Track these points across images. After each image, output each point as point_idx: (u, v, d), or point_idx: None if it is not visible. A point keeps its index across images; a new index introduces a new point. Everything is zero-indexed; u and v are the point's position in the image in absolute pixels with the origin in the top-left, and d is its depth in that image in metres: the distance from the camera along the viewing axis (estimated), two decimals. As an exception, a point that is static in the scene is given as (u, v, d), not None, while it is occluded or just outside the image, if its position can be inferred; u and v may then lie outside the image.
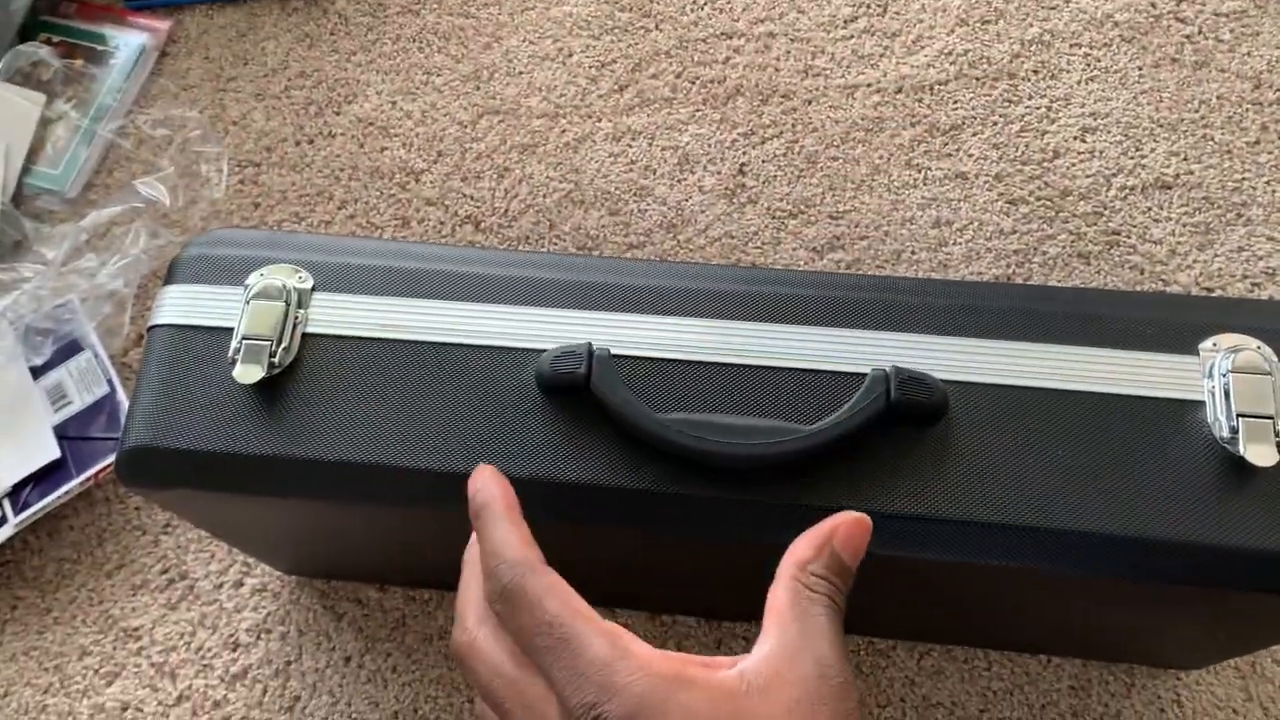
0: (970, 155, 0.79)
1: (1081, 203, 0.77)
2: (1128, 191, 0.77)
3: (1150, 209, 0.76)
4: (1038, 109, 0.80)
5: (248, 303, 0.49)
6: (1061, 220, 0.76)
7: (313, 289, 0.50)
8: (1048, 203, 0.77)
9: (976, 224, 0.76)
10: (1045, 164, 0.78)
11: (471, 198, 0.78)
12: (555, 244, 0.76)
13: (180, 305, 0.51)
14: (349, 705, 0.64)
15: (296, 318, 0.49)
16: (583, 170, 0.79)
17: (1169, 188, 0.77)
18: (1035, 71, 0.82)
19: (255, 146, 0.81)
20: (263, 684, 0.65)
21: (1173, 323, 0.47)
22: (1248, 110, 0.79)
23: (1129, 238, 0.75)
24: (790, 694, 0.34)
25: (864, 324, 0.48)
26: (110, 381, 0.71)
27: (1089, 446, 0.45)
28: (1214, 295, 0.52)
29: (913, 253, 0.75)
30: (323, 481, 0.48)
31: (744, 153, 0.79)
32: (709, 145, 0.80)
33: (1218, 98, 0.80)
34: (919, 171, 0.78)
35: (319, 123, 0.82)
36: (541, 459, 0.47)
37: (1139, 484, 0.44)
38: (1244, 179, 0.77)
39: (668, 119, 0.81)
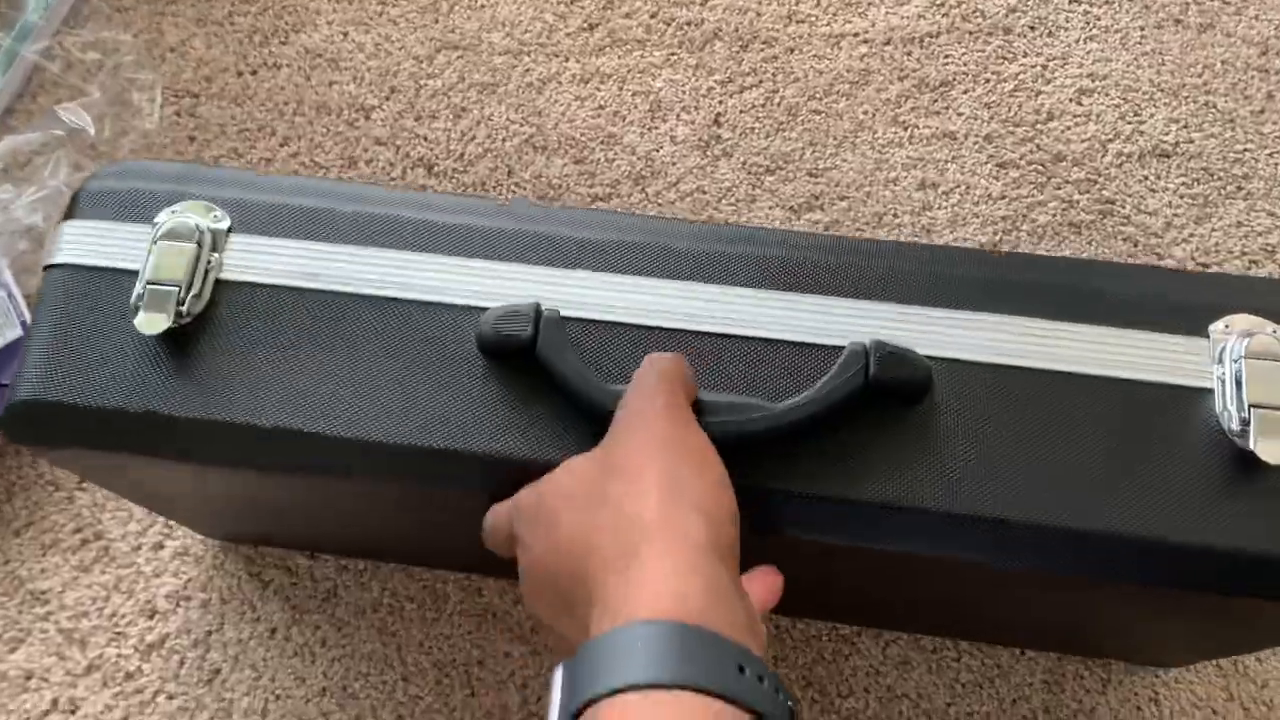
0: (960, 114, 0.74)
1: (1075, 169, 0.72)
2: (1124, 159, 0.73)
3: (1147, 178, 0.72)
4: (1033, 67, 0.76)
5: (155, 243, 0.44)
6: (1053, 187, 0.72)
7: (229, 230, 0.45)
8: (1039, 168, 0.72)
9: (964, 187, 0.72)
10: (1038, 126, 0.74)
11: (425, 138, 0.73)
12: (514, 193, 0.71)
13: (80, 243, 0.45)
14: (273, 680, 0.59)
15: (209, 261, 0.44)
16: (546, 114, 0.74)
17: (1167, 156, 0.73)
18: (1032, 28, 0.77)
19: (194, 76, 0.75)
20: (180, 655, 0.60)
21: (1182, 302, 0.43)
22: (1253, 77, 0.75)
23: (1123, 207, 0.71)
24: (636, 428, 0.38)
25: (843, 291, 0.43)
26: (24, 324, 0.65)
27: (1084, 435, 0.41)
28: (1225, 272, 0.47)
29: (895, 215, 0.71)
30: (233, 446, 0.43)
31: (720, 102, 0.74)
32: (683, 92, 0.75)
33: (1222, 63, 0.76)
34: (905, 129, 0.74)
35: (264, 52, 0.76)
36: (481, 430, 0.42)
37: (1137, 479, 0.40)
38: (1246, 150, 0.73)
39: (640, 62, 0.75)
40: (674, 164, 0.72)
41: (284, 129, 0.73)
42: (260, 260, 0.45)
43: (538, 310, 0.42)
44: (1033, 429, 0.41)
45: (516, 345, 0.42)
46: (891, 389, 0.41)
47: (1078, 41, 0.77)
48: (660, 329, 0.43)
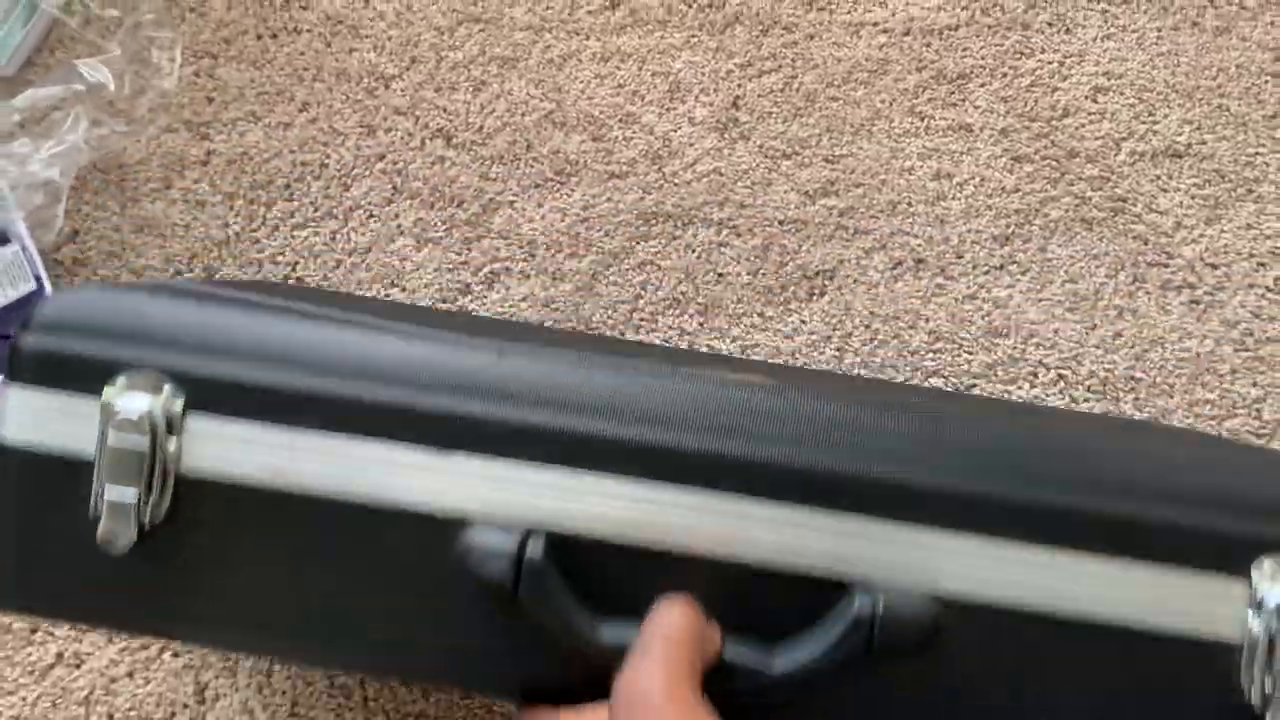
0: (976, 107, 0.75)
1: (1089, 165, 0.73)
2: (1137, 157, 0.73)
3: (1159, 177, 0.73)
4: (1050, 64, 0.76)
5: (104, 432, 0.41)
6: (1066, 182, 0.72)
7: (184, 410, 0.41)
8: (1053, 163, 0.73)
9: (978, 179, 0.72)
10: (1054, 122, 0.74)
11: (444, 110, 0.73)
12: (531, 166, 0.71)
13: (26, 419, 0.42)
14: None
15: (167, 454, 0.41)
16: (566, 90, 0.74)
17: (1180, 156, 0.73)
18: (1050, 24, 0.78)
19: (213, 37, 0.75)
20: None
21: (1228, 532, 0.39)
22: (1267, 82, 0.76)
23: (1135, 205, 0.72)
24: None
25: (857, 506, 0.40)
26: (38, 278, 0.65)
27: (1092, 688, 0.39)
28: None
29: (909, 204, 0.71)
30: (212, 645, 0.43)
31: (739, 85, 0.75)
32: (702, 74, 0.75)
33: (1237, 67, 0.76)
34: (921, 120, 0.74)
35: (284, 16, 0.76)
36: (460, 660, 0.40)
37: None
38: (1258, 153, 0.73)
39: (660, 43, 0.76)
40: (691, 145, 0.73)
41: (303, 94, 0.73)
42: (220, 450, 0.41)
43: (521, 547, 0.39)
44: (1040, 681, 0.39)
45: (496, 587, 0.40)
46: (894, 651, 0.39)
47: (1095, 40, 0.77)
48: (660, 553, 0.40)
